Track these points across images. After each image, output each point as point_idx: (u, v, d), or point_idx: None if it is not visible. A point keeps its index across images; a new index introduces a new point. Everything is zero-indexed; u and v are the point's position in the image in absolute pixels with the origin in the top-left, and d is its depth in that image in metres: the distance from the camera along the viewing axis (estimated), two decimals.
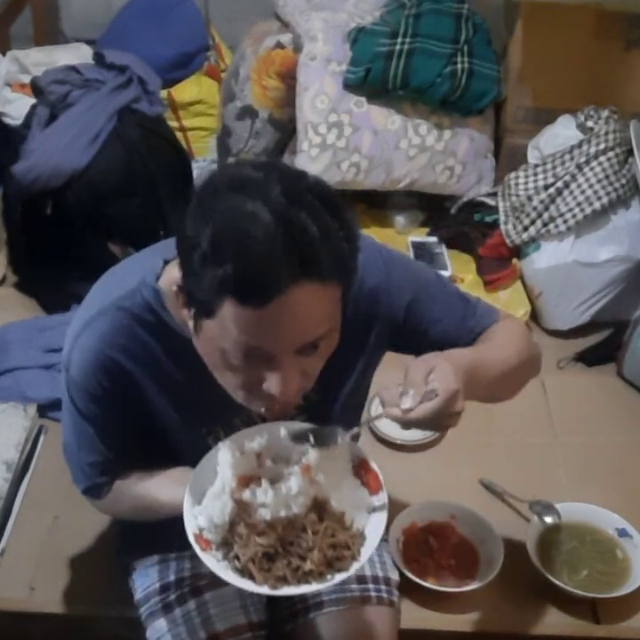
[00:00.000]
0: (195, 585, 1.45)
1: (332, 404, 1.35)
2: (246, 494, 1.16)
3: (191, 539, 1.14)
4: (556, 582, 1.63)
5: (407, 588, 1.63)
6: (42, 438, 1.99)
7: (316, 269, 1.02)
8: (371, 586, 1.48)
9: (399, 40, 2.47)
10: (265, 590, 1.12)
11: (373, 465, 1.21)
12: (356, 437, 1.24)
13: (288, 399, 1.13)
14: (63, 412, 1.33)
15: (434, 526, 1.73)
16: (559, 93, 2.57)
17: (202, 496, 1.18)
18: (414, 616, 1.63)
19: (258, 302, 1.02)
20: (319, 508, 1.16)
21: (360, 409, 1.49)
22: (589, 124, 2.42)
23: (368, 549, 1.15)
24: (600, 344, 2.34)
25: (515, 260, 2.46)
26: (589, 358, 2.30)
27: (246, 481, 1.18)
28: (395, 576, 1.56)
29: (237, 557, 1.14)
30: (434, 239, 2.60)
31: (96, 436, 1.30)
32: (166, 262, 1.23)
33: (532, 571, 1.69)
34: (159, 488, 1.30)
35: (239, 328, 1.05)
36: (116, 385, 1.24)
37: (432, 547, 1.70)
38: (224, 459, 1.19)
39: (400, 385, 1.12)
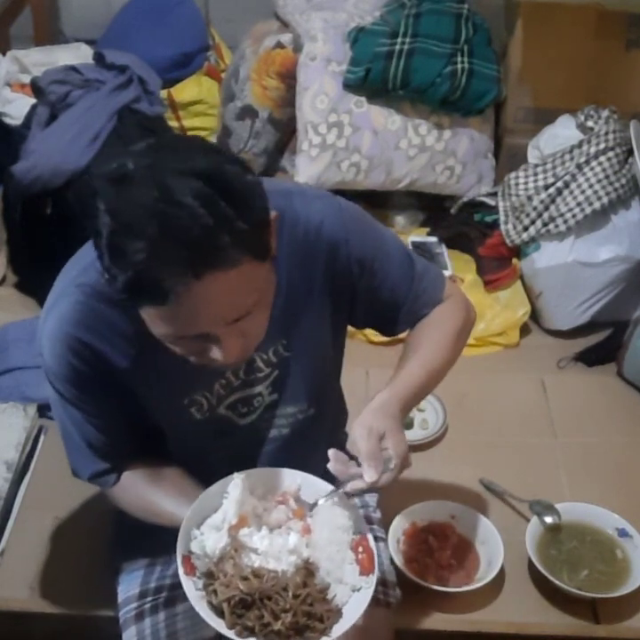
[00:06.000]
0: (170, 595, 1.45)
1: (300, 361, 1.35)
2: (243, 534, 1.17)
3: (179, 560, 1.16)
4: (556, 582, 1.63)
5: (407, 587, 1.63)
6: (42, 438, 1.99)
7: (218, 260, 1.02)
8: None
9: (399, 40, 2.47)
10: (231, 634, 1.13)
11: (372, 544, 1.22)
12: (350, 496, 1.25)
13: (234, 361, 1.15)
14: (51, 401, 1.33)
15: (434, 526, 1.73)
16: (559, 93, 2.57)
17: (202, 520, 1.20)
18: (414, 616, 1.63)
19: (163, 302, 1.03)
20: (307, 572, 1.17)
21: (332, 384, 1.51)
22: (589, 123, 2.42)
23: (341, 628, 1.15)
24: (600, 344, 2.34)
25: (515, 260, 2.46)
26: (589, 358, 2.30)
27: (247, 520, 1.19)
28: (392, 577, 1.56)
29: (215, 593, 1.15)
30: (434, 239, 2.60)
31: (84, 419, 1.30)
32: None
33: (532, 571, 1.69)
34: (165, 497, 1.31)
35: (162, 322, 1.08)
36: (87, 365, 1.24)
37: (432, 547, 1.70)
38: (233, 492, 1.20)
39: (349, 461, 1.18)
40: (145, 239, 0.99)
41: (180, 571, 1.15)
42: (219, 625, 1.13)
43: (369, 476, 1.14)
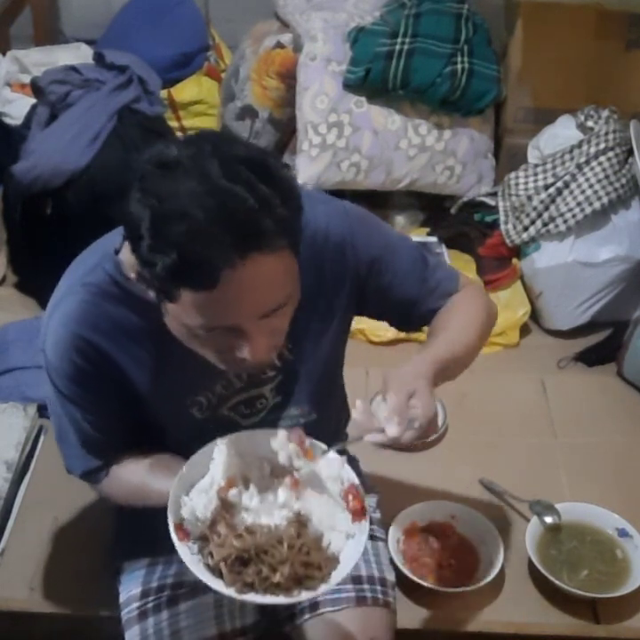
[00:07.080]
0: (173, 594, 1.45)
1: (305, 364, 1.36)
2: (232, 495, 1.17)
3: (171, 527, 1.15)
4: (556, 582, 1.63)
5: (407, 587, 1.63)
6: (42, 438, 1.99)
7: (262, 243, 1.03)
8: (366, 586, 1.47)
9: (399, 40, 2.47)
10: (231, 593, 1.13)
11: (362, 491, 1.21)
12: (340, 453, 1.23)
13: (261, 361, 1.15)
14: (49, 398, 1.33)
15: (434, 526, 1.73)
16: (559, 93, 2.57)
17: (190, 488, 1.19)
18: (414, 616, 1.63)
19: (209, 285, 1.02)
20: (300, 523, 1.17)
21: (334, 386, 1.50)
22: (589, 123, 2.42)
23: (339, 574, 1.16)
24: (600, 344, 2.34)
25: (515, 260, 2.46)
26: (589, 358, 2.30)
27: (235, 482, 1.19)
28: (391, 576, 1.55)
29: (211, 554, 1.15)
30: (434, 239, 2.60)
31: (82, 417, 1.30)
32: (125, 237, 1.22)
33: (532, 571, 1.69)
34: (152, 475, 1.31)
35: (198, 311, 1.06)
36: (90, 363, 1.24)
37: (432, 547, 1.70)
38: (218, 456, 1.20)
39: (373, 400, 1.12)
40: (190, 222, 1.00)
41: (174, 537, 1.14)
42: (217, 585, 1.13)
43: (391, 430, 1.10)
